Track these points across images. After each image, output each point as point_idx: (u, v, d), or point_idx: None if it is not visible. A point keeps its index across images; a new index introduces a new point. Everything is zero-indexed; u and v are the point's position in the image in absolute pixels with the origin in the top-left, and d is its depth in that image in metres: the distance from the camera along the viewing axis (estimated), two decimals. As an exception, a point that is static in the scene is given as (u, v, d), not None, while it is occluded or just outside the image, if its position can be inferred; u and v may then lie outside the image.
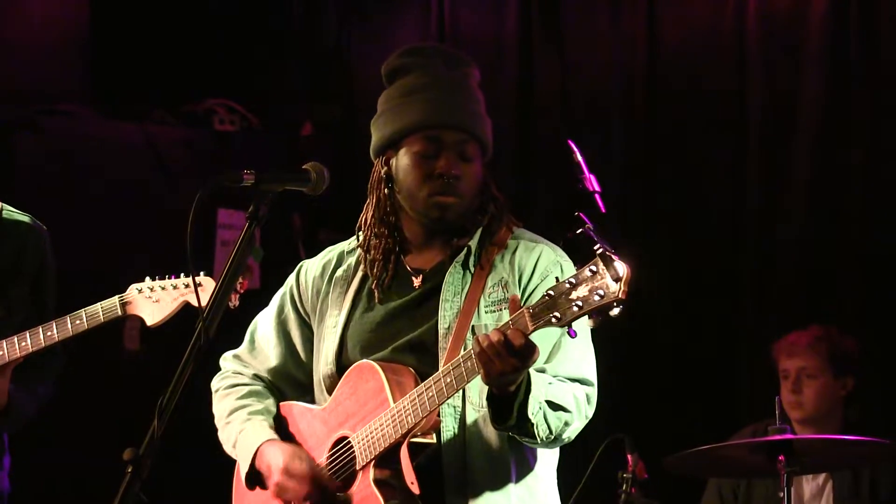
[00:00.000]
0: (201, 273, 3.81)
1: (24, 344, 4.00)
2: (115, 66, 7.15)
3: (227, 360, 3.70)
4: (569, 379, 3.27)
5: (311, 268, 3.62)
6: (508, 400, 3.10)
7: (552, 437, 3.20)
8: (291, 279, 3.65)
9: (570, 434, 3.26)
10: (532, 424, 3.13)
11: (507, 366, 3.01)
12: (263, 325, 3.66)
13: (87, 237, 6.31)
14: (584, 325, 3.29)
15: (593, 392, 3.32)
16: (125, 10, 7.26)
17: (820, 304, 6.13)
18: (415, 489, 3.21)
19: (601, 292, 2.83)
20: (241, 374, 3.66)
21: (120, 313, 3.95)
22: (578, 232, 2.88)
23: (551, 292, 2.91)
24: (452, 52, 3.52)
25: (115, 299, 3.95)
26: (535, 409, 3.12)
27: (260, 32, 7.54)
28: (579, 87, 6.80)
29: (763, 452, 4.63)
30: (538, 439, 3.17)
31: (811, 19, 6.21)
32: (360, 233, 3.53)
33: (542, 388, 3.14)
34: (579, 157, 3.96)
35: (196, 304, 3.81)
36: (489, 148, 3.45)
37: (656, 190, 6.59)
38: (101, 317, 3.95)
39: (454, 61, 3.48)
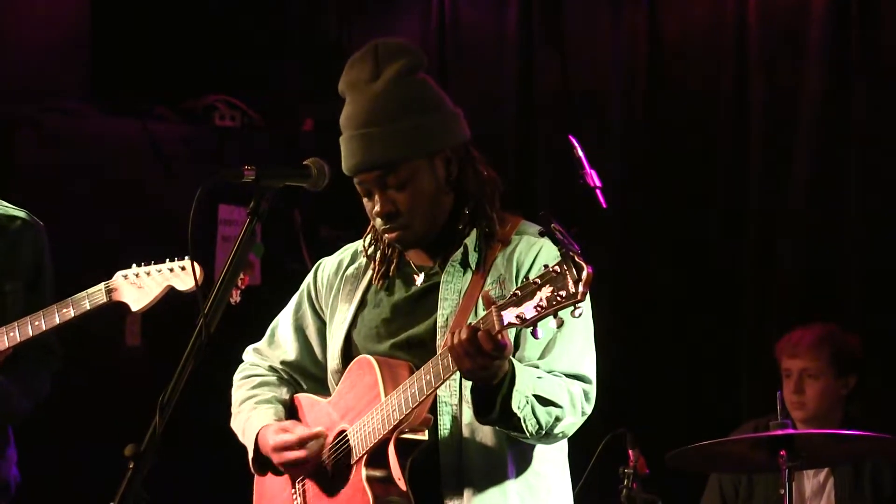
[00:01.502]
0: (186, 258, 3.83)
1: (12, 335, 4.01)
2: (116, 62, 7.15)
3: (248, 353, 3.76)
4: (565, 375, 3.26)
5: (327, 265, 3.65)
6: (491, 393, 3.10)
7: (542, 433, 3.18)
8: (309, 276, 3.69)
9: (564, 430, 3.25)
10: (519, 419, 3.11)
11: (476, 364, 3.01)
12: (283, 321, 3.70)
13: (87, 234, 6.31)
14: (584, 323, 3.30)
15: (591, 389, 3.30)
16: (125, 7, 7.26)
17: (820, 303, 6.13)
18: (401, 485, 3.21)
19: (563, 293, 2.82)
20: (258, 365, 3.70)
21: (106, 300, 3.96)
22: (540, 232, 2.87)
23: (518, 292, 2.91)
24: (382, 49, 3.40)
25: (101, 286, 3.97)
26: (522, 404, 3.10)
27: (260, 28, 7.54)
28: (580, 83, 6.81)
29: (764, 448, 4.63)
30: (527, 434, 3.16)
31: (812, 15, 6.21)
32: (366, 240, 3.55)
33: (528, 382, 3.13)
34: (580, 153, 3.98)
35: (181, 288, 3.85)
36: (437, 146, 3.35)
37: (656, 187, 6.59)
38: (88, 304, 3.96)
39: (381, 62, 3.37)
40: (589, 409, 3.29)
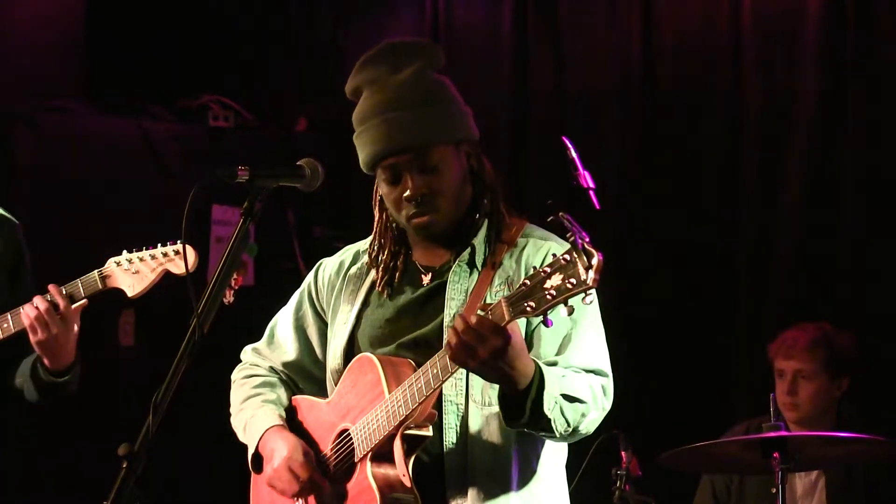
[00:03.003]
0: (179, 241, 3.84)
1: (5, 325, 4.00)
2: (111, 61, 7.15)
3: (246, 353, 3.76)
4: (582, 370, 3.26)
5: (328, 265, 3.66)
6: (520, 398, 3.09)
7: (570, 431, 3.18)
8: (310, 276, 3.69)
9: (589, 426, 3.24)
10: (549, 420, 3.11)
11: (475, 360, 2.99)
12: (283, 321, 3.70)
13: (81, 232, 6.32)
14: (595, 317, 3.32)
15: (609, 383, 3.30)
16: (120, 6, 7.26)
17: (817, 303, 6.12)
18: (406, 481, 3.22)
19: (573, 281, 2.82)
20: (258, 365, 3.71)
21: (100, 287, 3.96)
22: (550, 220, 2.87)
23: (527, 281, 2.91)
24: (400, 47, 3.43)
25: (95, 273, 3.96)
26: (551, 405, 3.10)
27: (255, 28, 7.54)
28: (575, 83, 6.81)
29: (757, 449, 4.62)
30: (556, 433, 3.16)
31: (807, 16, 6.21)
32: (372, 245, 3.55)
33: (555, 382, 3.13)
34: (573, 154, 3.96)
35: (176, 272, 3.85)
36: (464, 135, 3.40)
37: (652, 187, 6.59)
38: (82, 292, 3.96)
39: (401, 59, 3.40)
40: (608, 404, 3.29)
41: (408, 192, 3.33)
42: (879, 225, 6.08)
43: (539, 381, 3.08)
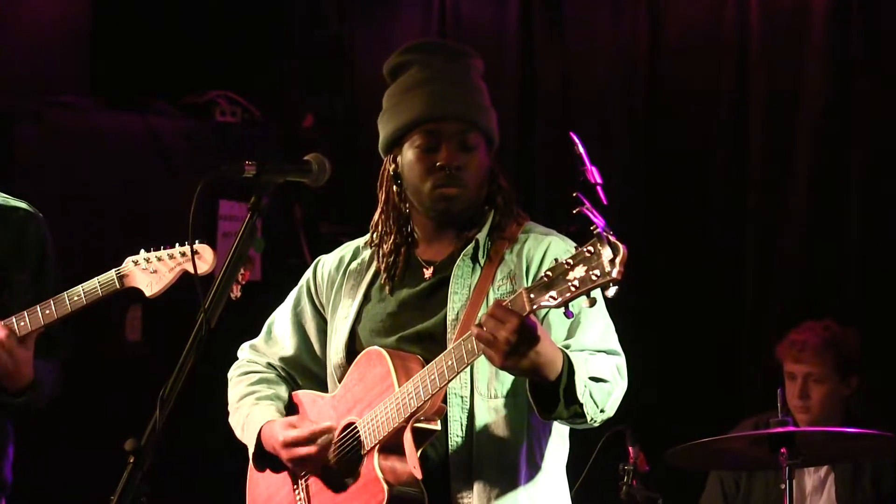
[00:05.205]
0: (197, 241, 3.83)
1: (22, 324, 3.99)
2: (117, 56, 7.15)
3: (243, 349, 3.77)
4: (596, 351, 3.27)
5: (327, 261, 3.67)
6: (553, 387, 3.09)
7: (598, 411, 3.18)
8: (308, 273, 3.70)
9: (613, 406, 3.24)
10: (581, 405, 3.12)
11: (500, 351, 2.97)
12: (280, 318, 3.71)
13: (87, 228, 6.31)
14: (600, 300, 3.30)
15: (622, 363, 3.31)
16: (126, 2, 7.26)
17: (820, 302, 6.12)
18: (417, 473, 3.23)
19: (597, 272, 2.82)
20: (256, 362, 3.71)
21: (118, 286, 3.94)
22: (576, 212, 2.87)
23: (549, 273, 2.90)
24: (452, 45, 3.56)
25: (112, 273, 3.95)
26: (582, 390, 3.11)
27: (262, 24, 7.54)
28: (581, 80, 6.81)
29: (765, 445, 4.62)
30: (587, 418, 3.16)
31: (813, 13, 6.21)
32: (374, 232, 3.55)
33: (582, 366, 3.14)
34: (581, 150, 3.97)
35: (193, 272, 3.83)
36: (494, 138, 3.46)
37: (657, 185, 6.59)
38: (100, 291, 3.95)
39: (454, 54, 3.50)
40: (625, 384, 3.29)
41: (441, 162, 3.35)
42: (884, 223, 6.08)
43: (569, 367, 3.09)
